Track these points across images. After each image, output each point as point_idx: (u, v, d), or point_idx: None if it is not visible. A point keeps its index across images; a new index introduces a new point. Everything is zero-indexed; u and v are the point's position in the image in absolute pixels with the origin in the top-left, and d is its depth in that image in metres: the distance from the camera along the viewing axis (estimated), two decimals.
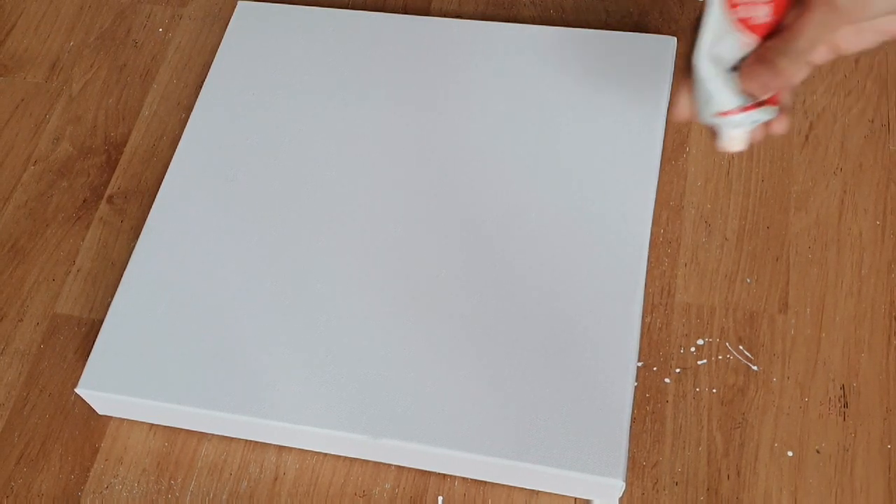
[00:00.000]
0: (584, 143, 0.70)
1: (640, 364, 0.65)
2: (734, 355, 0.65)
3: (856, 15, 0.45)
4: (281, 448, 0.64)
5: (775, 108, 0.50)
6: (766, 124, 0.51)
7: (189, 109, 0.78)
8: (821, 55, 0.50)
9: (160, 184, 0.72)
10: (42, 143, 0.80)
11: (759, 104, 0.49)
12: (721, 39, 0.49)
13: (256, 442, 0.64)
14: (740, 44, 0.48)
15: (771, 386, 0.63)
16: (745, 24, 0.48)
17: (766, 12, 0.47)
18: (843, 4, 0.44)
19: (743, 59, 0.49)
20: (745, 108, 0.49)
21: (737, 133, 0.50)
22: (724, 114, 0.49)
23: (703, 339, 0.65)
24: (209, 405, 0.62)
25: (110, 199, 0.76)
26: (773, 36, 0.48)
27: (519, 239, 0.66)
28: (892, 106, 0.74)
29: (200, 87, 0.78)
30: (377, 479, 0.62)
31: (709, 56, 0.49)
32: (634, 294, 0.63)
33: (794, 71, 0.47)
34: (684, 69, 0.52)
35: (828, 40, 0.47)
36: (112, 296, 0.67)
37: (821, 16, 0.45)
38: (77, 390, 0.63)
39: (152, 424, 0.66)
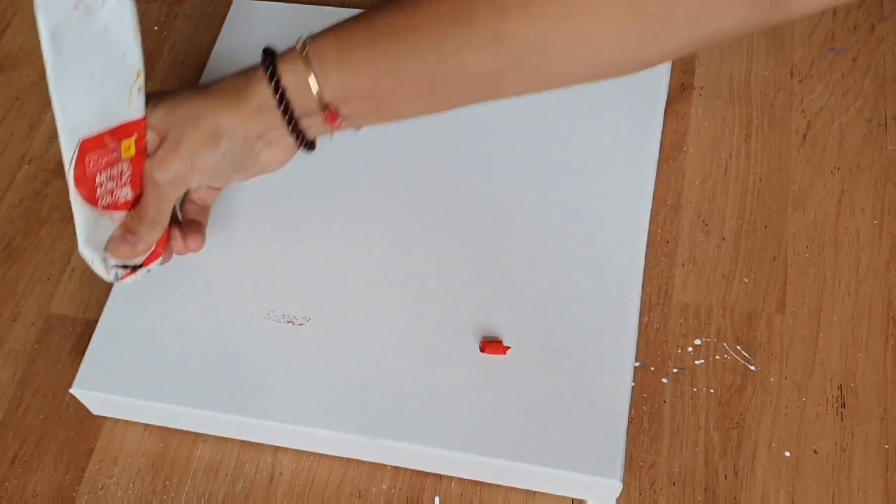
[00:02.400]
0: (581, 142, 0.70)
1: (637, 364, 0.64)
2: (732, 355, 0.65)
3: (177, 190, 0.55)
4: (277, 448, 0.64)
5: (158, 261, 0.60)
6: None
7: None
8: (192, 211, 0.61)
9: None
10: (37, 142, 0.79)
11: (137, 268, 0.59)
12: (97, 225, 0.56)
13: (252, 442, 0.64)
14: (113, 222, 0.56)
15: (769, 386, 0.63)
16: (112, 207, 0.55)
17: (128, 192, 0.55)
18: (163, 182, 0.54)
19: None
20: (126, 275, 0.58)
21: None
22: (120, 280, 0.59)
23: (701, 339, 0.65)
24: (205, 405, 0.61)
25: None
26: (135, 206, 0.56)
27: (517, 238, 0.66)
28: (890, 105, 0.74)
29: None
30: (373, 479, 0.62)
31: (88, 243, 0.56)
32: (632, 294, 0.63)
33: (153, 235, 0.57)
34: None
35: (173, 203, 0.57)
36: (107, 295, 0.67)
37: (152, 191, 0.55)
38: (72, 390, 0.63)
39: (147, 425, 0.65)
